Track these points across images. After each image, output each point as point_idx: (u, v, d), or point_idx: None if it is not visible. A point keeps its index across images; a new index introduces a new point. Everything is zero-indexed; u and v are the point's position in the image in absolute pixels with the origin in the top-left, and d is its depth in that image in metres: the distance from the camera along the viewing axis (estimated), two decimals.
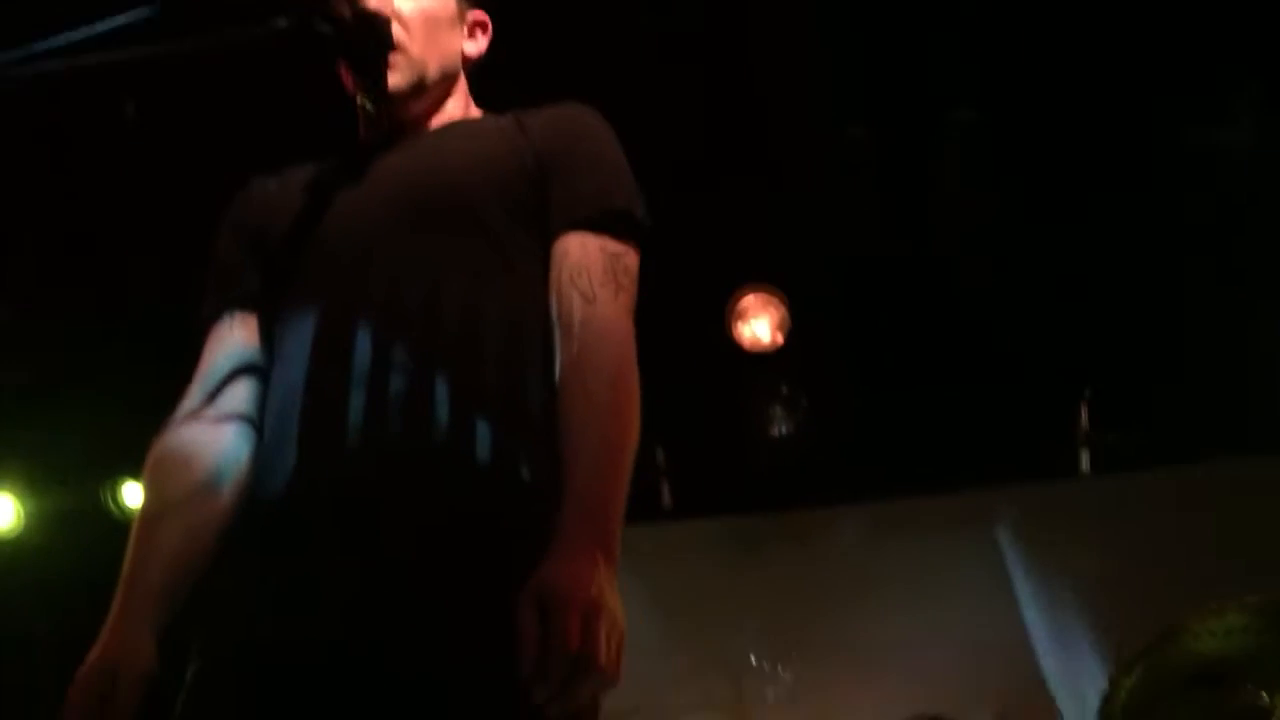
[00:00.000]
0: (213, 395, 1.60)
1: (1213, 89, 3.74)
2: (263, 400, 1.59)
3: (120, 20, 1.26)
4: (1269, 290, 4.04)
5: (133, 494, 4.84)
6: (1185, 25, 3.53)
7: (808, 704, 4.78)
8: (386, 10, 1.65)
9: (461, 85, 1.78)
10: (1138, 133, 3.87)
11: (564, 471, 1.36)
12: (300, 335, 1.53)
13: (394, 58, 1.63)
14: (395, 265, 1.52)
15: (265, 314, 1.64)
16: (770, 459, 4.87)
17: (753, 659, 4.95)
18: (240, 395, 1.60)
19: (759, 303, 4.52)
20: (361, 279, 1.52)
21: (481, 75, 1.84)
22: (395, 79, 1.64)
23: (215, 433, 1.56)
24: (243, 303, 1.65)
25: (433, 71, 1.70)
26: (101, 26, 1.25)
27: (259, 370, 1.62)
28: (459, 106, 1.76)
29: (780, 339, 4.52)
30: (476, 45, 1.80)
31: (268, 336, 1.63)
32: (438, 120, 1.73)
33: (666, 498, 4.83)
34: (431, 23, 1.70)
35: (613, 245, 1.55)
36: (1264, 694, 2.47)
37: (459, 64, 1.77)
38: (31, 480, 4.76)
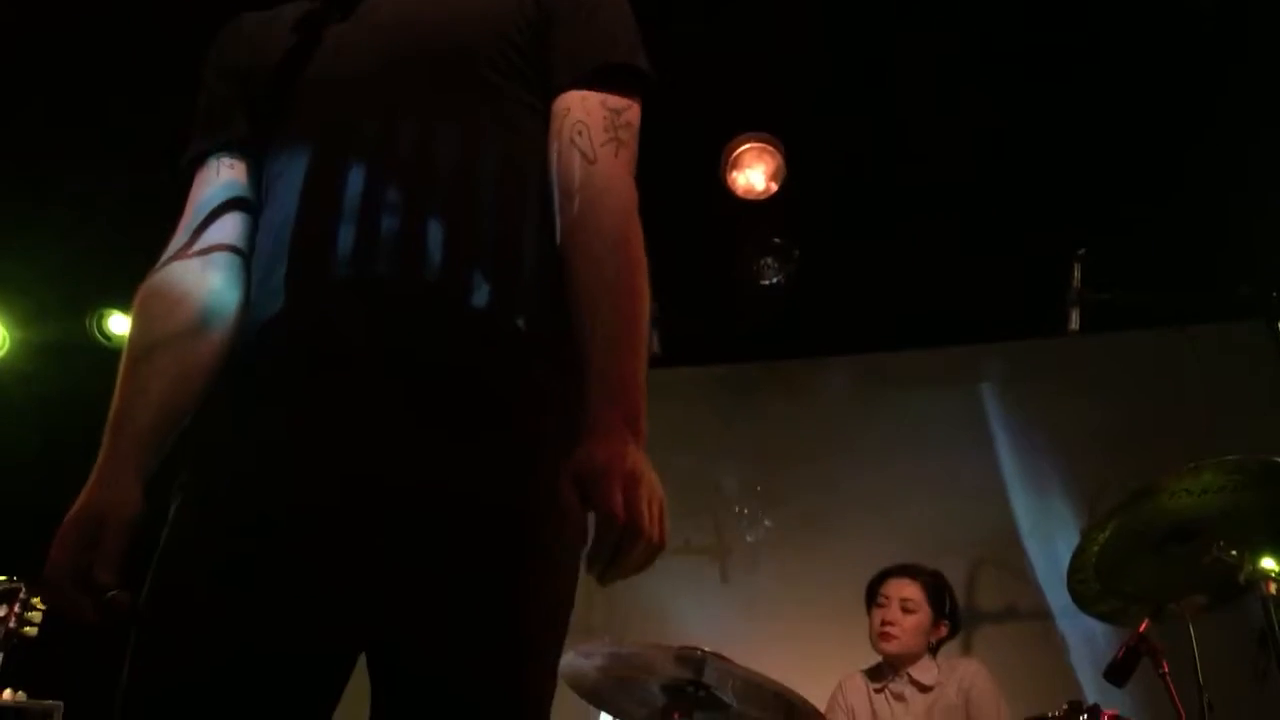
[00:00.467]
0: (200, 230, 1.55)
1: None
2: (253, 237, 1.55)
3: None
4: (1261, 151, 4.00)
5: (117, 323, 4.84)
6: None
7: (787, 550, 4.90)
8: None
9: None
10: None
11: (579, 340, 1.35)
12: (290, 176, 1.48)
13: None
14: (389, 110, 1.47)
15: (254, 157, 1.59)
16: (761, 308, 4.87)
17: (735, 504, 5.05)
18: (230, 228, 1.56)
19: (754, 151, 4.45)
20: (354, 122, 1.47)
21: None
22: None
23: (204, 269, 1.52)
24: (229, 147, 1.60)
25: None
26: None
27: (248, 206, 1.58)
28: None
29: (774, 188, 4.47)
30: None
31: (257, 179, 1.58)
32: None
33: (655, 344, 4.84)
34: None
35: (614, 100, 1.50)
36: (1233, 550, 2.53)
37: None
38: (17, 309, 4.76)
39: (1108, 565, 2.72)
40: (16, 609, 3.38)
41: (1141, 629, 2.69)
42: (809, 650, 4.19)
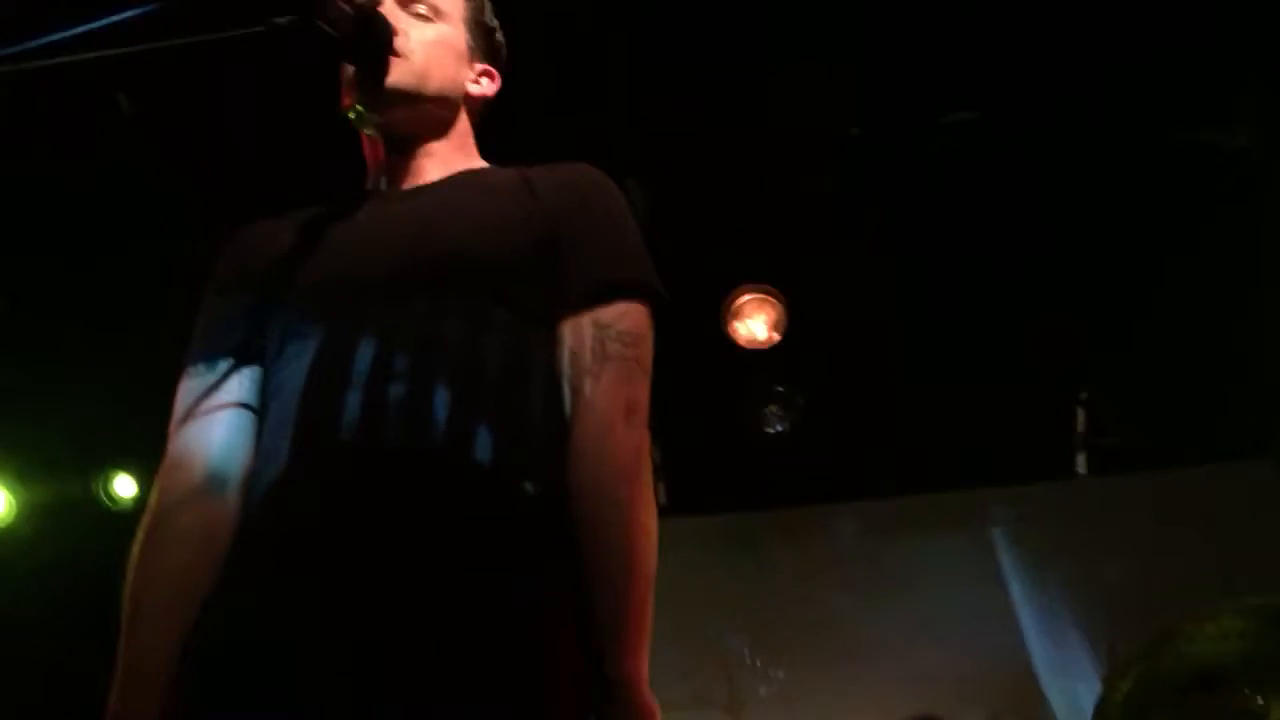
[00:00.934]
0: (201, 400, 1.55)
1: (1209, 90, 3.73)
2: (260, 405, 1.56)
3: (122, 16, 1.25)
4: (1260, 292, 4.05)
5: (124, 485, 4.83)
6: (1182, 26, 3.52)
7: (801, 702, 4.78)
8: (396, 21, 1.64)
9: (464, 126, 1.76)
10: (1128, 140, 3.87)
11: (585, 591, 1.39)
12: (298, 363, 1.49)
13: (395, 61, 1.61)
14: (398, 308, 1.49)
15: (257, 364, 1.58)
16: (766, 457, 4.87)
17: (746, 656, 4.95)
18: (236, 389, 1.56)
19: (755, 301, 4.52)
20: (363, 317, 1.48)
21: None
22: (393, 77, 1.61)
23: (211, 428, 1.53)
24: (232, 354, 1.59)
25: (432, 86, 1.67)
26: (103, 21, 1.24)
27: (251, 394, 1.57)
28: (462, 151, 1.74)
29: (776, 337, 4.52)
30: (481, 88, 1.78)
31: (260, 383, 1.57)
32: (441, 166, 1.70)
33: (662, 494, 4.83)
34: (438, 45, 1.69)
35: (607, 314, 1.52)
36: (1259, 698, 2.47)
37: (460, 96, 1.74)
38: (22, 471, 4.75)
39: (1130, 715, 2.66)
40: None
41: None
42: None
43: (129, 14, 1.25)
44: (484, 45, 1.79)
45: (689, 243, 4.11)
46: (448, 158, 1.71)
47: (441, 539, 1.36)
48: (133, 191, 3.93)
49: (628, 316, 1.52)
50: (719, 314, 4.50)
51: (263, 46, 1.38)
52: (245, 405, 1.56)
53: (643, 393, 1.50)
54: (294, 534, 1.39)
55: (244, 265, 1.65)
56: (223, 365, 1.57)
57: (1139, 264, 4.17)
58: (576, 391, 1.48)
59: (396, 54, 1.62)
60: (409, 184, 1.68)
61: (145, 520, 1.50)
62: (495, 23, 1.83)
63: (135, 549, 1.49)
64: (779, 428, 4.75)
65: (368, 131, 1.70)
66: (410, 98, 1.65)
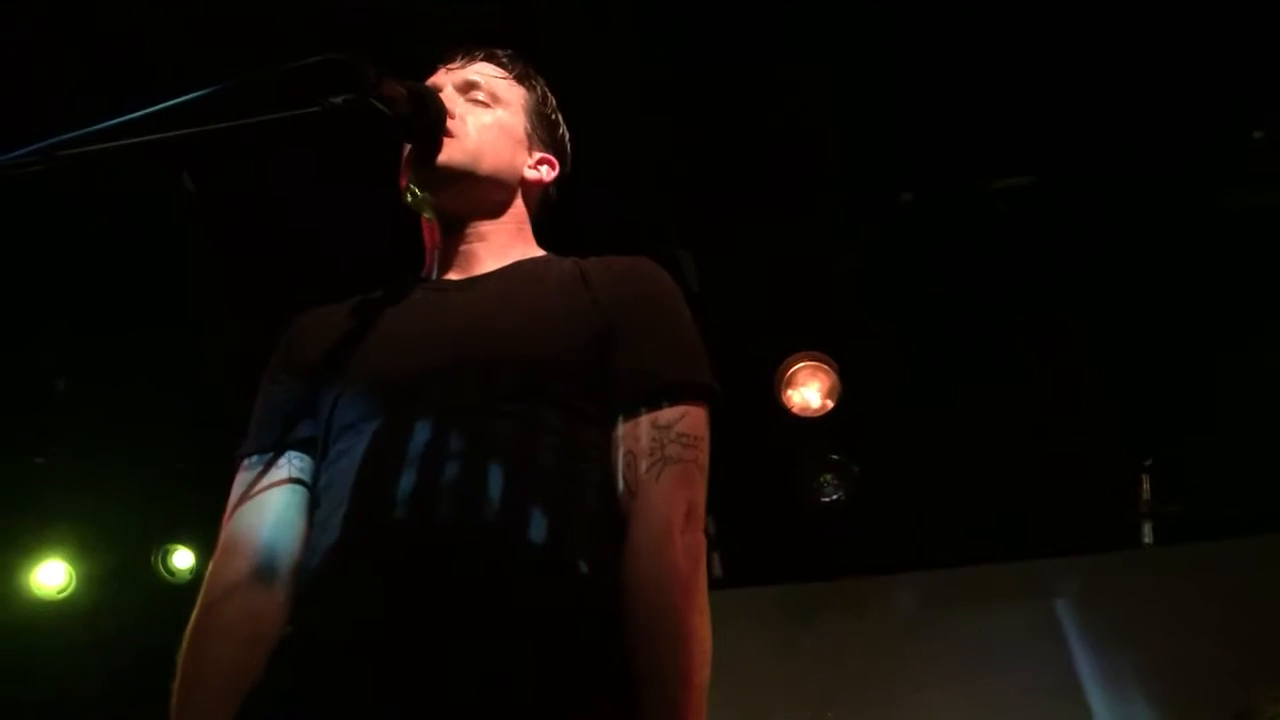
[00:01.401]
0: (255, 483, 1.56)
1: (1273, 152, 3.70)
2: (315, 481, 1.56)
3: (184, 98, 1.28)
4: None
5: (182, 558, 4.88)
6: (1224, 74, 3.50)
7: None
8: (453, 105, 1.67)
9: (520, 212, 1.76)
10: (1186, 203, 3.83)
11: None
12: (353, 449, 1.50)
13: (448, 141, 1.63)
14: (454, 400, 1.49)
15: (310, 456, 1.59)
16: (822, 527, 4.81)
17: None
18: (292, 468, 1.58)
19: (808, 369, 4.50)
20: (415, 415, 1.48)
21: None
22: (445, 155, 1.63)
23: (267, 504, 1.55)
24: (286, 447, 1.60)
25: (485, 166, 1.68)
26: (166, 104, 1.27)
27: (306, 480, 1.58)
28: (519, 237, 1.74)
29: (830, 405, 4.48)
30: (538, 175, 1.77)
31: (314, 474, 1.58)
32: (497, 253, 1.70)
33: (718, 567, 4.78)
34: (493, 128, 1.71)
35: (665, 415, 1.50)
36: None
37: (516, 180, 1.74)
38: (82, 544, 4.82)
39: None
40: None
41: None
42: None
43: (190, 97, 1.28)
44: (543, 134, 1.80)
45: (741, 312, 4.12)
46: (503, 244, 1.71)
47: (494, 620, 1.35)
48: (196, 270, 4.01)
49: (687, 418, 1.51)
50: (772, 383, 4.48)
51: (321, 127, 1.41)
52: (298, 483, 1.57)
53: (701, 496, 1.48)
54: (343, 620, 1.38)
55: (299, 354, 1.66)
56: (276, 455, 1.58)
57: (1202, 326, 4.10)
58: (634, 492, 1.46)
59: (450, 134, 1.64)
60: (464, 272, 1.68)
61: (195, 611, 1.51)
62: (557, 114, 1.84)
63: (184, 640, 1.49)
64: (835, 497, 4.70)
65: (423, 212, 1.72)
66: (462, 176, 1.66)
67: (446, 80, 1.74)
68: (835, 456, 4.72)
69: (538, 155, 1.78)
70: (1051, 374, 4.31)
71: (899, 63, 3.50)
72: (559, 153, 1.83)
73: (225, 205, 3.71)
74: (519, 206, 1.76)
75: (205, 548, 4.72)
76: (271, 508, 1.55)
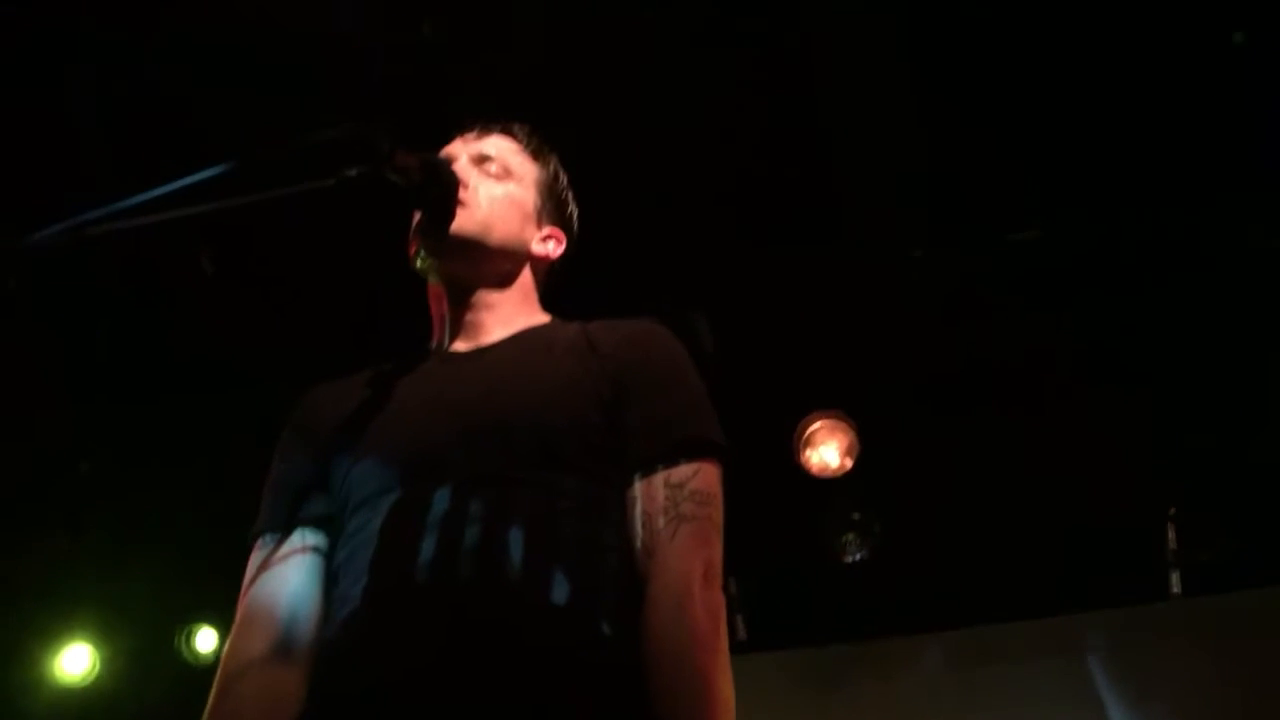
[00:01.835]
0: (268, 563, 1.57)
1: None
2: (330, 555, 1.57)
3: (199, 176, 1.30)
4: None
5: (206, 639, 4.85)
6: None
7: None
8: (466, 176, 1.69)
9: (528, 283, 1.78)
10: (1201, 251, 3.84)
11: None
12: (368, 529, 1.50)
13: (460, 210, 1.65)
14: (468, 479, 1.49)
15: (325, 531, 1.59)
16: (846, 587, 4.76)
17: None
18: (308, 539, 1.58)
19: (826, 428, 4.49)
20: (432, 486, 1.49)
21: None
22: (457, 224, 1.65)
23: (284, 577, 1.55)
24: (300, 524, 1.60)
25: (495, 237, 1.70)
26: (181, 183, 1.30)
27: (321, 554, 1.58)
28: (525, 306, 1.76)
29: (849, 464, 4.47)
30: (545, 249, 1.80)
31: (329, 549, 1.58)
32: (504, 323, 1.71)
33: (741, 630, 4.73)
34: (504, 201, 1.74)
35: (679, 473, 1.52)
36: None
37: (525, 253, 1.77)
38: (105, 627, 4.80)
39: None
40: None
41: None
42: None
43: (206, 174, 1.31)
44: (553, 209, 1.83)
45: (757, 372, 4.12)
46: (510, 312, 1.73)
47: (517, 684, 1.34)
48: (215, 348, 4.05)
49: (699, 476, 1.52)
50: (790, 442, 4.47)
51: (336, 198, 1.43)
52: (314, 554, 1.57)
53: (718, 553, 1.49)
54: (364, 688, 1.37)
55: (310, 430, 1.67)
56: (290, 532, 1.59)
57: (1227, 371, 4.09)
58: (650, 552, 1.47)
59: (462, 204, 1.66)
60: (473, 341, 1.70)
61: (213, 690, 1.51)
62: (568, 191, 1.87)
63: (204, 718, 1.49)
64: (857, 556, 4.66)
65: (431, 279, 1.74)
66: (472, 246, 1.68)
67: (462, 151, 1.77)
68: (857, 515, 4.69)
69: (546, 230, 1.81)
70: (1074, 425, 4.28)
71: (911, 120, 3.53)
72: (567, 229, 1.85)
73: (244, 281, 3.75)
74: (526, 278, 1.78)
75: (228, 629, 4.69)
76: (288, 582, 1.55)
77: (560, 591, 1.41)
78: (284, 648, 1.50)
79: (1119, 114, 3.53)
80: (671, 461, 1.52)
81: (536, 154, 1.83)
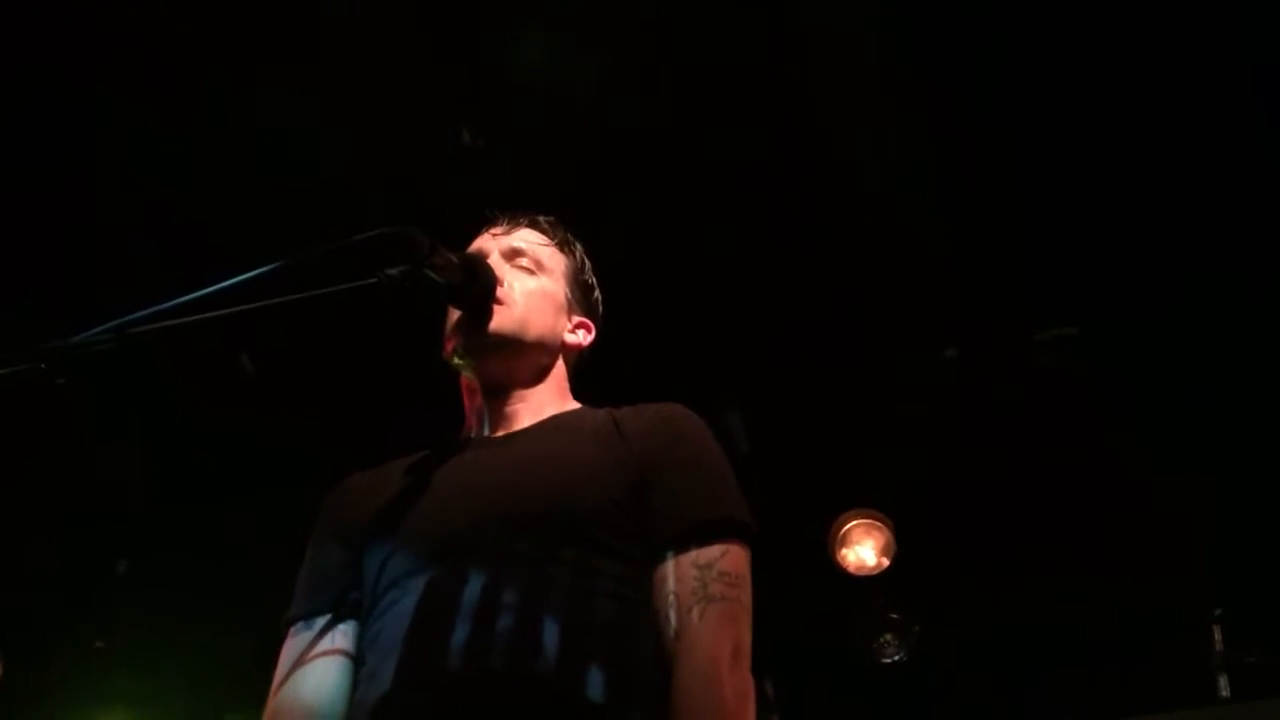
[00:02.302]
0: (300, 659, 1.57)
1: None
2: (359, 653, 1.56)
3: (243, 277, 1.33)
4: None
5: None
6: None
7: None
8: (501, 272, 1.73)
9: (560, 373, 1.81)
10: (1232, 346, 3.81)
11: None
12: (400, 611, 1.50)
13: (497, 309, 1.68)
14: (503, 561, 1.50)
15: (355, 619, 1.60)
16: (885, 688, 4.68)
17: None
18: (338, 638, 1.58)
19: (862, 527, 4.46)
20: (465, 569, 1.50)
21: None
22: (496, 323, 1.68)
23: (314, 676, 1.55)
24: (332, 611, 1.61)
25: (531, 333, 1.73)
26: (226, 283, 1.33)
27: (349, 648, 1.58)
28: (555, 395, 1.78)
29: (886, 562, 4.42)
30: (576, 339, 1.83)
31: (358, 636, 1.59)
32: (534, 411, 1.74)
33: None
34: (539, 295, 1.77)
35: (706, 554, 1.52)
36: None
37: (558, 345, 1.80)
38: None
39: None
40: None
41: None
42: None
43: (250, 275, 1.33)
44: (581, 297, 1.86)
45: (792, 472, 4.10)
46: (541, 402, 1.75)
47: None
48: (252, 446, 4.08)
49: (728, 557, 1.52)
50: (826, 542, 4.44)
51: (374, 298, 1.45)
52: (344, 654, 1.57)
53: (746, 634, 1.48)
54: None
55: (343, 519, 1.68)
56: (321, 622, 1.59)
57: (1269, 473, 4.03)
58: (679, 633, 1.46)
59: (500, 301, 1.69)
60: (505, 429, 1.72)
61: None
62: (593, 280, 1.91)
63: None
64: (896, 657, 4.58)
65: (467, 374, 1.76)
66: (511, 343, 1.71)
67: (493, 246, 1.81)
68: (894, 615, 4.62)
69: (576, 319, 1.84)
70: (1115, 525, 4.23)
71: (940, 221, 3.56)
72: (594, 316, 1.89)
73: (283, 378, 3.78)
74: (559, 369, 1.81)
75: None
76: (318, 677, 1.55)
77: (594, 683, 1.40)
78: None
79: (1152, 207, 3.54)
80: (699, 542, 1.52)
81: (564, 245, 1.87)
